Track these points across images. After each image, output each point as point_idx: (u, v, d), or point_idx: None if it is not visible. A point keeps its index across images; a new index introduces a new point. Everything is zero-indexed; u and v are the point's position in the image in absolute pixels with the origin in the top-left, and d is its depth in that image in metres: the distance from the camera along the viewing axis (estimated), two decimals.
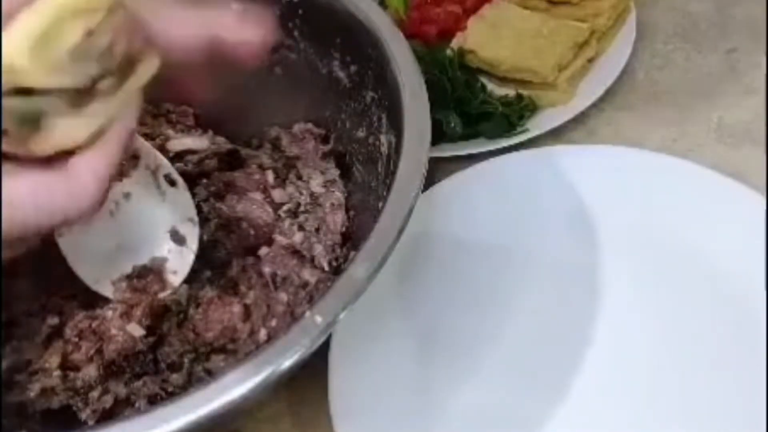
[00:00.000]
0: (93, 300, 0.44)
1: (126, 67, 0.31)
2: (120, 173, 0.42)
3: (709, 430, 0.42)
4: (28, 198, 0.28)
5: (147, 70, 0.32)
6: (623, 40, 0.66)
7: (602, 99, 0.62)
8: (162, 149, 0.46)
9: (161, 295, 0.44)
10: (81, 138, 0.30)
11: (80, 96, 0.29)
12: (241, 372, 0.32)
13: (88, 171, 0.30)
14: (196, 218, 0.45)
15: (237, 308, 0.45)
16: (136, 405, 0.42)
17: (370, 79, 0.48)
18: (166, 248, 0.45)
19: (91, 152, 0.30)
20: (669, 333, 0.47)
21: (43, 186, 0.29)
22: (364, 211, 0.48)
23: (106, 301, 0.44)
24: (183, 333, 0.44)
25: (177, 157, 0.50)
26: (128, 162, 0.43)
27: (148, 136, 0.45)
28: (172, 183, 0.44)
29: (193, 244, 0.45)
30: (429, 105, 0.42)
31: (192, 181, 0.48)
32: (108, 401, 0.42)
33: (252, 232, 0.49)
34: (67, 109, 0.29)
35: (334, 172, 0.52)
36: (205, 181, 0.51)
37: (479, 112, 0.61)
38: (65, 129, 0.29)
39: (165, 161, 0.44)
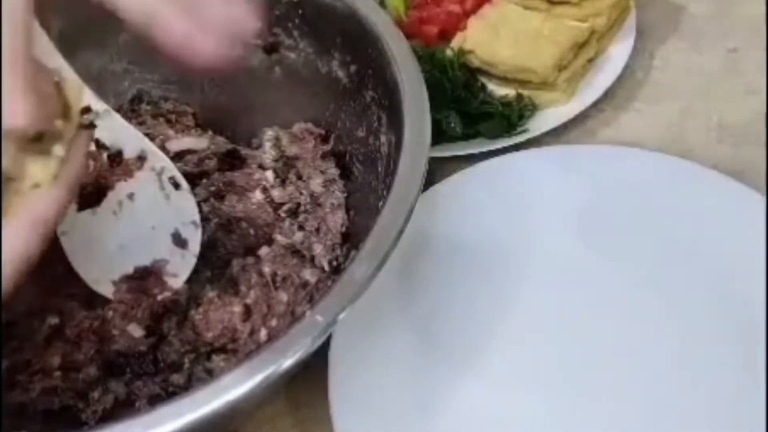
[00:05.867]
0: (93, 300, 0.44)
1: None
2: (125, 173, 0.43)
3: (709, 430, 0.42)
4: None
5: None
6: (623, 40, 0.66)
7: (602, 99, 0.62)
8: (162, 149, 0.46)
9: (161, 297, 0.44)
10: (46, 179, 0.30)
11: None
12: (241, 372, 0.32)
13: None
14: (199, 221, 0.45)
15: (237, 308, 0.45)
16: (137, 405, 0.42)
17: (370, 79, 0.48)
18: (167, 250, 0.45)
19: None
20: (669, 332, 0.47)
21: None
22: (364, 211, 0.48)
23: (106, 301, 0.44)
24: (183, 333, 0.44)
25: (177, 157, 0.50)
26: (133, 163, 0.43)
27: (148, 136, 0.45)
28: (177, 186, 0.44)
29: (194, 248, 0.45)
30: (429, 105, 0.43)
31: (192, 181, 0.48)
32: (108, 401, 0.42)
33: (252, 232, 0.49)
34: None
35: (334, 172, 0.52)
36: (205, 181, 0.51)
37: (479, 112, 0.61)
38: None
39: (170, 164, 0.44)
